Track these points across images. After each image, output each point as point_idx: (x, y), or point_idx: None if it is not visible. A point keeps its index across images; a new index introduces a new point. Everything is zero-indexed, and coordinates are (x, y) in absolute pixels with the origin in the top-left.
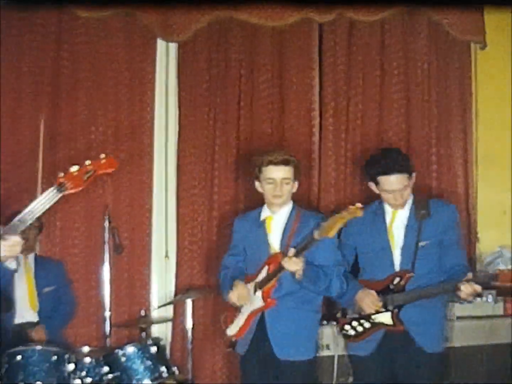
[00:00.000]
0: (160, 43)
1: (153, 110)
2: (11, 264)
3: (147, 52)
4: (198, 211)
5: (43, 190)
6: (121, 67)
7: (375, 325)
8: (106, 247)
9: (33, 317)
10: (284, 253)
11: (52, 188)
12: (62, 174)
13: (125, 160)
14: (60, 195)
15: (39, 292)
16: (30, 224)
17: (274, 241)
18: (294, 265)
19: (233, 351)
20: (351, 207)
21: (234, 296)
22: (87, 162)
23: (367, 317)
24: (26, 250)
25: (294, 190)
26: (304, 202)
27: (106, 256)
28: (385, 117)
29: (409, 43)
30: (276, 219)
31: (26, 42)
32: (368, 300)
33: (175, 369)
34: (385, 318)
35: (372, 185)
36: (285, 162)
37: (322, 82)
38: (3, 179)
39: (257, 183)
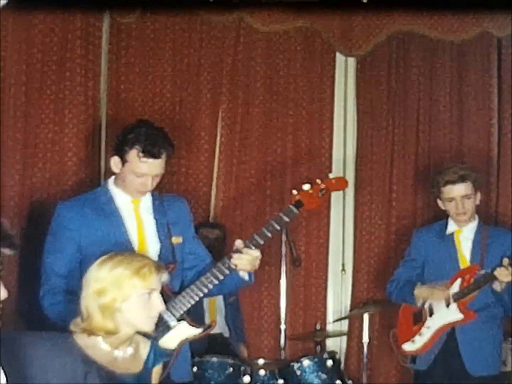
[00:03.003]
0: (339, 57)
1: (332, 124)
2: (245, 276)
3: (326, 66)
4: (376, 225)
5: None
6: (299, 81)
7: None
8: (283, 260)
9: (215, 328)
10: (481, 265)
11: (290, 206)
12: (295, 192)
13: (304, 174)
14: (297, 212)
15: (225, 302)
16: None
17: (466, 255)
18: (509, 276)
19: (411, 367)
20: None
21: (424, 291)
22: (318, 181)
23: None
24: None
25: (477, 202)
26: (482, 213)
27: (283, 269)
28: None
29: None
30: (464, 233)
31: (204, 54)
32: None
33: (350, 383)
34: None
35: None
36: (463, 179)
37: (501, 97)
38: None
39: (439, 201)
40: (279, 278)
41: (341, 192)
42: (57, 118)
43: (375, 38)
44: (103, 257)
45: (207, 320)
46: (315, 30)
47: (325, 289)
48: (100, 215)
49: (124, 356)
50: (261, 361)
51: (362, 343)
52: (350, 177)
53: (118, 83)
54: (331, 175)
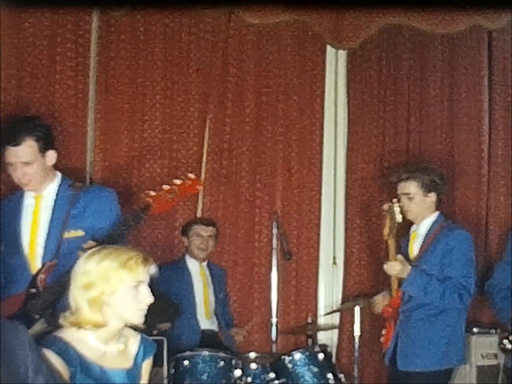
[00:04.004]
0: (330, 50)
1: (323, 117)
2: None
3: (317, 59)
4: (367, 218)
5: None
6: (290, 74)
7: None
8: (274, 253)
9: (207, 324)
10: (417, 261)
11: (137, 209)
12: (151, 193)
13: (294, 167)
14: (144, 216)
15: (216, 298)
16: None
17: (414, 252)
18: (390, 269)
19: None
20: None
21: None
22: (176, 181)
23: None
24: (204, 258)
25: (428, 202)
26: (473, 217)
27: (274, 262)
28: None
29: None
30: (418, 230)
31: (194, 48)
32: None
33: (341, 376)
34: None
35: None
36: (406, 179)
37: (492, 90)
38: None
39: None
40: (270, 271)
41: (332, 185)
42: (47, 112)
43: (366, 31)
44: (90, 251)
45: (199, 314)
46: (306, 23)
47: (316, 282)
48: (12, 216)
49: (113, 351)
50: (252, 355)
51: (353, 336)
52: (341, 169)
53: (108, 78)
54: (190, 175)
